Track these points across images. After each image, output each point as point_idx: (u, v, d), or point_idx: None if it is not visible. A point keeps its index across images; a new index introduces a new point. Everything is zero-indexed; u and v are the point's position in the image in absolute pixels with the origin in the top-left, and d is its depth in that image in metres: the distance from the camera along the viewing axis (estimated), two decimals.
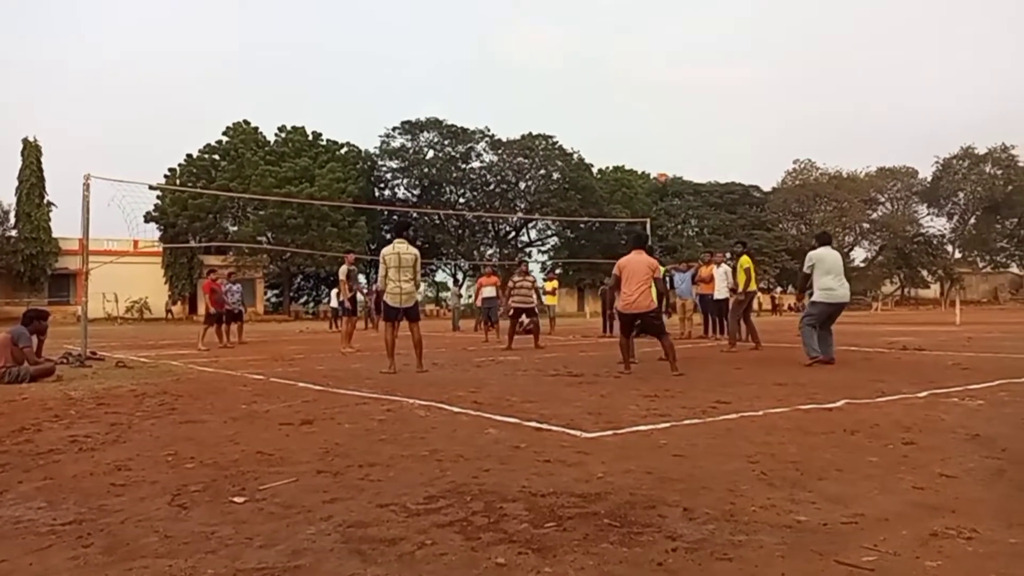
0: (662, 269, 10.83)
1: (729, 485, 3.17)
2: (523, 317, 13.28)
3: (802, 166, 65.33)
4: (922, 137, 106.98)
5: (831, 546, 2.41)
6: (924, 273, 66.28)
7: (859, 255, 67.86)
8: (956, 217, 67.02)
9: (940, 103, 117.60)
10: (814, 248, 9.14)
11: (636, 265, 8.04)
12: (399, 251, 8.44)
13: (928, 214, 67.32)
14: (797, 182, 64.65)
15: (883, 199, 67.40)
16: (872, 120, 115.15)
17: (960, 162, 64.70)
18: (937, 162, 65.50)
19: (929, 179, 65.96)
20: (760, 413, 5.09)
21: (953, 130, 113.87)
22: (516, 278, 13.69)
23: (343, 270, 14.02)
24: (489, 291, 17.22)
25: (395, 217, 52.75)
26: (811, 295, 8.98)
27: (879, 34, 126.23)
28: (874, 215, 65.48)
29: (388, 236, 53.54)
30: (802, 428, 4.53)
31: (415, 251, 8.58)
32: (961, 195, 65.34)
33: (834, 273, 8.74)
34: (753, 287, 12.14)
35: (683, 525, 2.64)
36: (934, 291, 68.25)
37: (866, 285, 61.30)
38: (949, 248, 67.76)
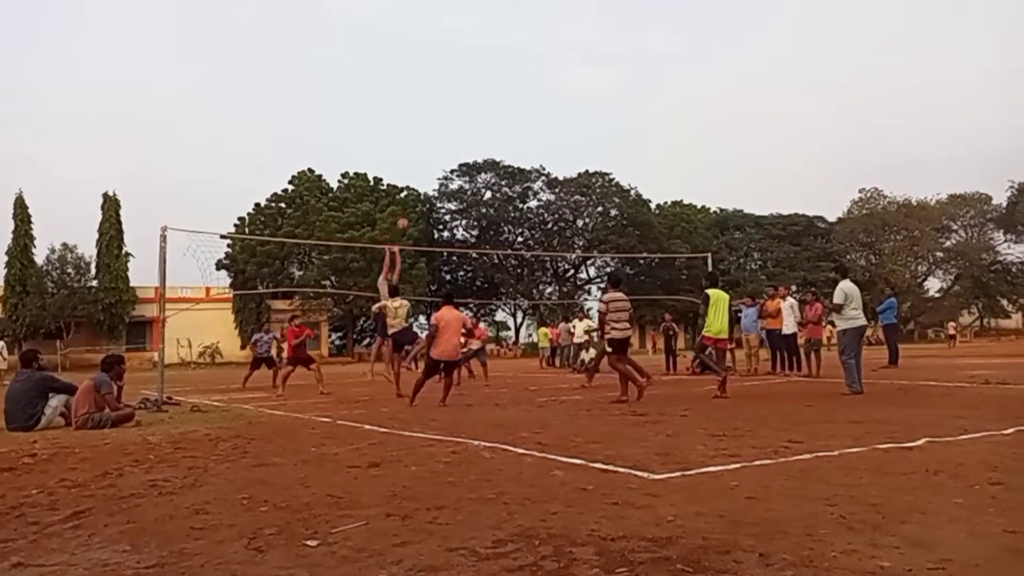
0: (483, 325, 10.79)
1: (806, 529, 3.07)
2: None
3: (868, 195, 63.84)
4: (993, 161, 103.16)
5: None
6: (1004, 302, 63.29)
7: (933, 285, 65.47)
8: None
9: (1010, 125, 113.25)
10: (840, 280, 10.17)
11: (453, 321, 9.49)
12: None
13: (1005, 241, 64.16)
14: (864, 211, 63.05)
15: (956, 227, 64.79)
16: (937, 146, 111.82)
17: None
18: (1012, 187, 62.76)
19: (1004, 205, 63.29)
20: (836, 453, 4.92)
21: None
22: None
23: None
24: None
25: (454, 258, 53.44)
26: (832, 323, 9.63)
27: (937, 60, 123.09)
28: (947, 243, 63.10)
29: (447, 278, 54.69)
30: (881, 468, 4.36)
31: None
32: None
33: (856, 303, 9.86)
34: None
35: (760, 571, 2.57)
36: (1015, 321, 65.03)
37: (942, 316, 58.84)
38: None
